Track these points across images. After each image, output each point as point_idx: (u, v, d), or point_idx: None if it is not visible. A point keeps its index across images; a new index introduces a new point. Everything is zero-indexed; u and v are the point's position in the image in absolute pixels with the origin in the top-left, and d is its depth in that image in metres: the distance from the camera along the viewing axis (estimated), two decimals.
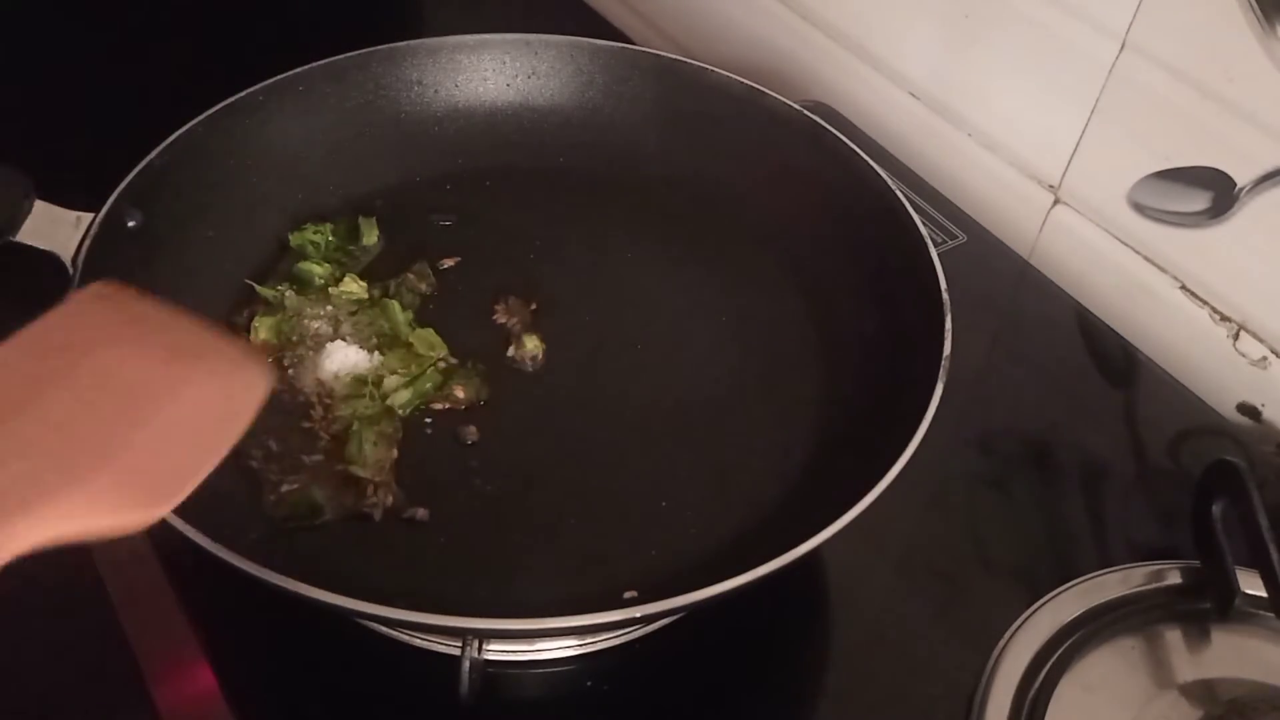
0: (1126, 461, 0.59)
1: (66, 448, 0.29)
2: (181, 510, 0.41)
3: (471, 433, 0.54)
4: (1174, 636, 0.50)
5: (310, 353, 0.57)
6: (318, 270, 0.60)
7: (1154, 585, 0.51)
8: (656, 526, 0.51)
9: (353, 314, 0.58)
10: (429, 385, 0.55)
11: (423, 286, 0.61)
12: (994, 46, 0.69)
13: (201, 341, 0.36)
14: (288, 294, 0.59)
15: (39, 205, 0.52)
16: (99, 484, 0.29)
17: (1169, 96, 0.60)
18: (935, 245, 0.56)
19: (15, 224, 0.51)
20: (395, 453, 0.52)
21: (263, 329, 0.57)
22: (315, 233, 0.62)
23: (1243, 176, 0.58)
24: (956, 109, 0.73)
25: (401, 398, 0.54)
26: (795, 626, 0.52)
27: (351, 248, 0.63)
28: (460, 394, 0.56)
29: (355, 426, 0.53)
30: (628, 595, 0.46)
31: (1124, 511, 0.57)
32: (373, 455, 0.52)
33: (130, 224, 0.54)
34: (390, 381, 0.55)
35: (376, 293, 0.60)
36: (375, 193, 0.66)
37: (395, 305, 0.58)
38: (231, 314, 0.58)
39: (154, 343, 0.34)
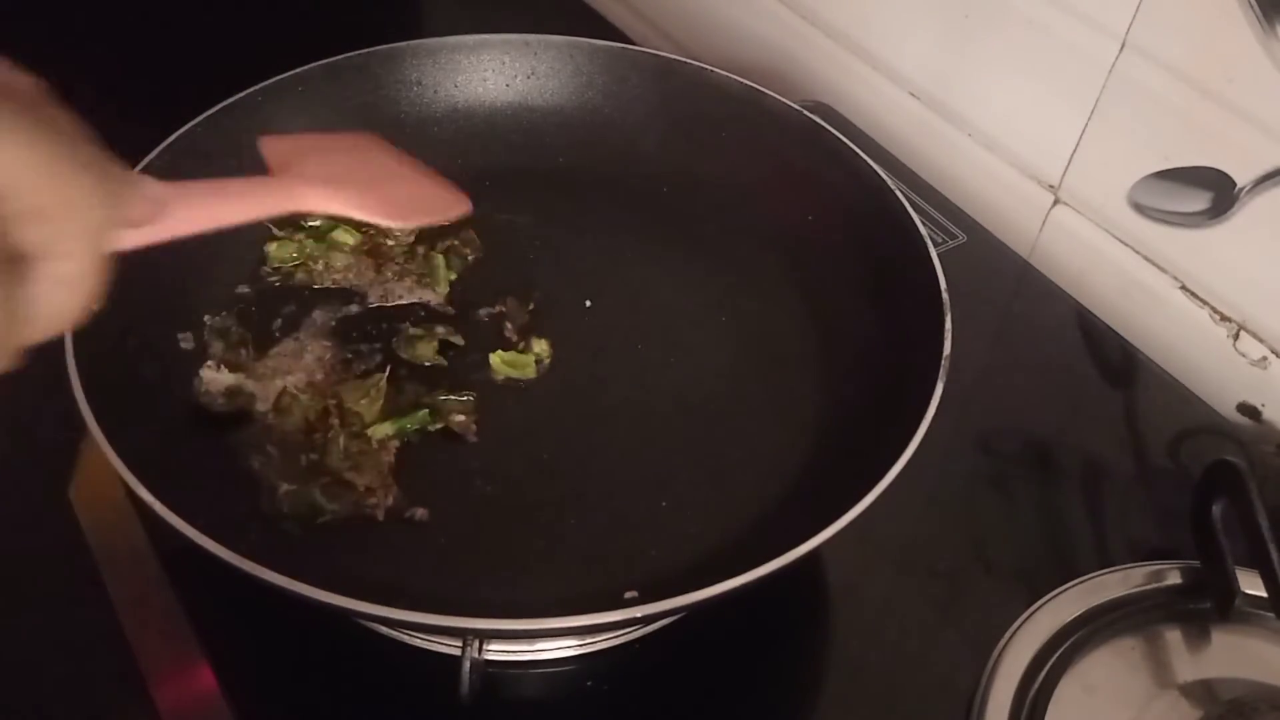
0: (1126, 461, 0.59)
1: (350, 174, 0.48)
2: (182, 510, 0.41)
3: (471, 433, 0.54)
4: (1174, 637, 0.50)
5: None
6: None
7: (1154, 585, 0.51)
8: (657, 526, 0.51)
9: (397, 263, 0.61)
10: (412, 426, 0.54)
11: (468, 252, 0.62)
12: (994, 46, 0.69)
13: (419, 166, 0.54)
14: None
15: None
16: (366, 194, 0.47)
17: (1169, 96, 0.60)
18: (935, 245, 0.56)
19: None
20: (390, 458, 0.52)
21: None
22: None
23: (1243, 176, 0.59)
24: (956, 109, 0.73)
25: (382, 430, 0.53)
26: (795, 627, 0.52)
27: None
28: (457, 424, 0.55)
29: (333, 434, 0.52)
30: (628, 595, 0.46)
31: (1124, 511, 0.57)
32: (357, 465, 0.51)
33: None
34: (368, 410, 0.54)
35: (423, 248, 0.62)
36: None
37: (440, 260, 0.61)
38: (232, 309, 0.58)
39: (405, 162, 0.53)
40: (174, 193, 0.34)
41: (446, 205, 0.53)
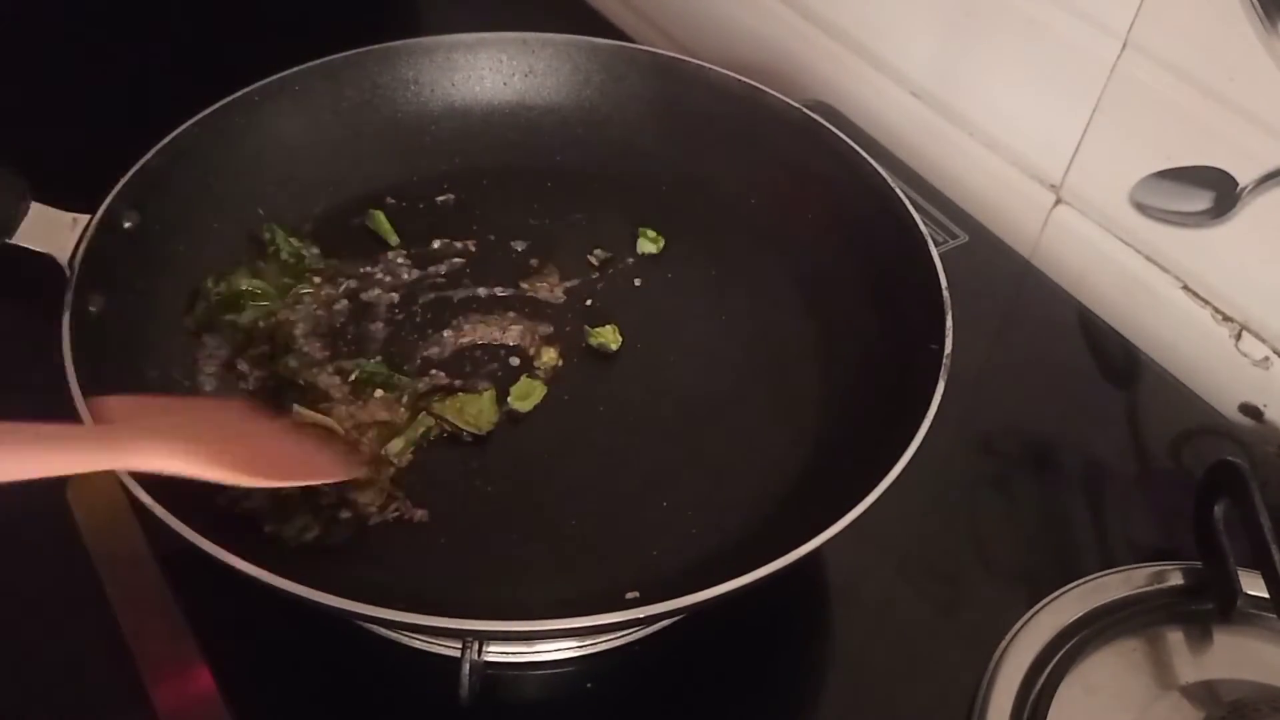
0: (1128, 462, 0.59)
1: (199, 430, 0.44)
2: (180, 512, 0.41)
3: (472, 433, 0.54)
4: (1176, 638, 0.49)
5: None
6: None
7: (1156, 586, 0.51)
8: (657, 527, 0.51)
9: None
10: (421, 430, 0.53)
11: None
12: (995, 46, 0.69)
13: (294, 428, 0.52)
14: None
15: (35, 207, 0.52)
16: (215, 451, 0.43)
17: (1171, 96, 0.60)
18: (936, 245, 0.55)
19: (12, 226, 0.51)
20: (393, 469, 0.52)
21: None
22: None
23: (1245, 176, 0.58)
24: (958, 108, 0.73)
25: (395, 447, 0.52)
26: (796, 628, 0.52)
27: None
28: (471, 423, 0.54)
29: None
30: (630, 596, 0.46)
31: (1125, 512, 0.57)
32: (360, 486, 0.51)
33: (127, 225, 0.54)
34: (378, 429, 0.53)
35: None
36: (372, 192, 0.66)
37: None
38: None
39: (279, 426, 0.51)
40: None
41: (327, 467, 0.48)
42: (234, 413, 0.49)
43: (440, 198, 0.66)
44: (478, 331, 0.59)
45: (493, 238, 0.64)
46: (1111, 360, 0.65)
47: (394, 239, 0.63)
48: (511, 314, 0.60)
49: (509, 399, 0.55)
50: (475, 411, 0.54)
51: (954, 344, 0.50)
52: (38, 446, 0.36)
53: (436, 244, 0.63)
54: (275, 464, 0.45)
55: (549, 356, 0.57)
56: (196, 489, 0.47)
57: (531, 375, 0.57)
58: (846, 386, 0.56)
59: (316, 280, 0.60)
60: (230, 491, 0.49)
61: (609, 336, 0.58)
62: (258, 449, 0.45)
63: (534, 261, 0.63)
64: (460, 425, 0.54)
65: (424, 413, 0.54)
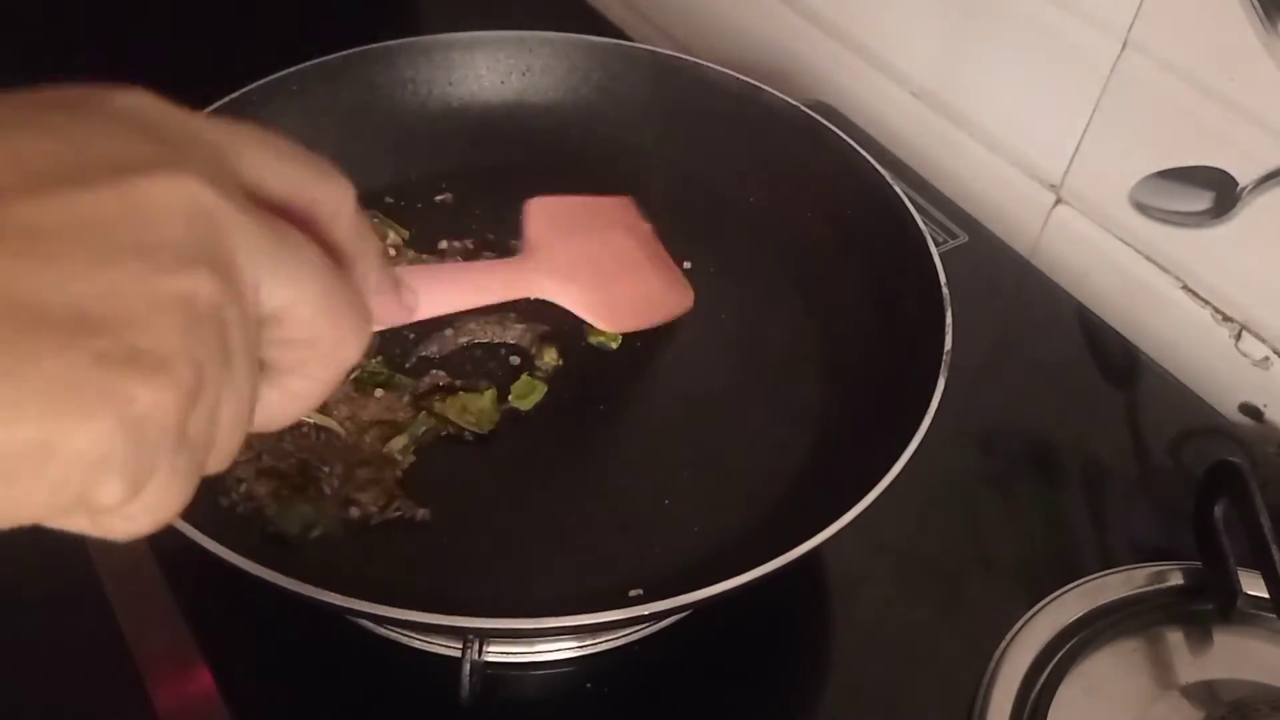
0: (1128, 462, 0.59)
1: (589, 270, 0.53)
2: (182, 510, 0.41)
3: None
4: (1176, 638, 0.49)
5: None
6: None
7: (1156, 586, 0.51)
8: (658, 525, 0.51)
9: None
10: (423, 428, 0.53)
11: None
12: (995, 46, 0.69)
13: (663, 257, 0.59)
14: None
15: None
16: (595, 297, 0.52)
17: (1171, 96, 0.60)
18: (936, 245, 0.55)
19: None
20: (399, 473, 0.52)
21: None
22: None
23: (1245, 176, 0.58)
24: (958, 108, 0.73)
25: (397, 444, 0.52)
26: (795, 628, 0.52)
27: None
28: (472, 422, 0.54)
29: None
30: (633, 593, 0.46)
31: (1125, 512, 0.57)
32: (363, 487, 0.51)
33: None
34: (379, 427, 0.53)
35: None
36: (370, 192, 0.66)
37: None
38: None
39: (638, 237, 0.58)
40: (425, 286, 0.36)
41: (671, 306, 0.57)
42: (624, 237, 0.56)
43: (439, 197, 0.66)
44: (477, 330, 0.59)
45: (491, 236, 0.64)
46: (1111, 360, 0.65)
47: (395, 234, 0.63)
48: (511, 313, 0.60)
49: (510, 398, 0.55)
50: (477, 410, 0.54)
51: (954, 344, 0.50)
52: (467, 287, 0.42)
53: (435, 244, 0.63)
54: (632, 307, 0.54)
55: (549, 356, 0.57)
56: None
57: (532, 374, 0.57)
58: (846, 385, 0.56)
59: None
60: (231, 489, 0.49)
61: (609, 335, 0.58)
62: (627, 289, 0.54)
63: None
64: (462, 425, 0.54)
65: (424, 412, 0.54)
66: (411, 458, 0.52)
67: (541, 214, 0.52)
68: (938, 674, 0.49)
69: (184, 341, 0.21)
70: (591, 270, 0.52)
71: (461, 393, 0.55)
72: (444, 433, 0.54)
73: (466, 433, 0.54)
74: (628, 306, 0.54)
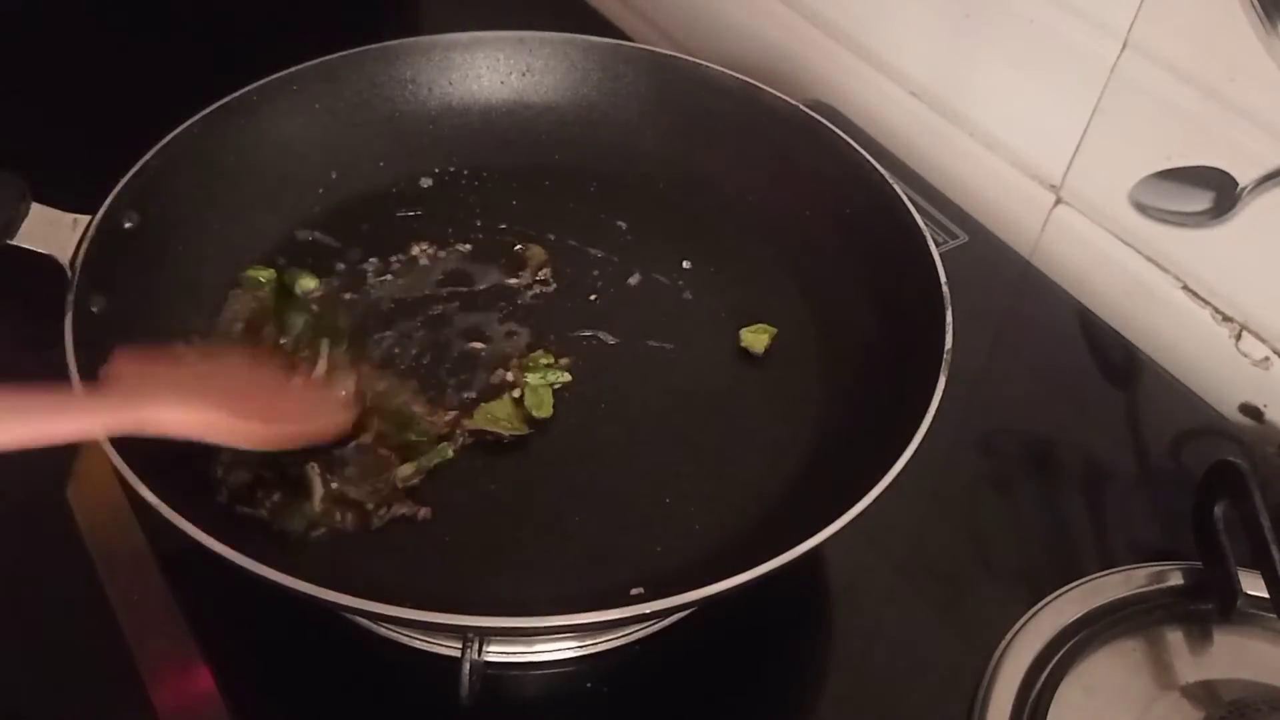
0: (1128, 462, 0.59)
1: (219, 390, 0.45)
2: (181, 507, 0.41)
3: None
4: (1176, 638, 0.49)
5: None
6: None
7: (1156, 586, 0.51)
8: (660, 524, 0.51)
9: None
10: (436, 460, 0.52)
11: None
12: (995, 45, 0.69)
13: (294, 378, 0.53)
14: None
15: (36, 208, 0.52)
16: (223, 415, 0.44)
17: (1171, 96, 0.60)
18: (936, 245, 0.55)
19: (12, 227, 0.51)
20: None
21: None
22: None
23: (1245, 176, 0.58)
24: (958, 108, 0.73)
25: (404, 472, 0.52)
26: (796, 628, 0.52)
27: None
28: (507, 426, 0.54)
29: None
30: (634, 592, 0.46)
31: (1126, 512, 0.57)
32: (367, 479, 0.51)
33: (127, 225, 0.54)
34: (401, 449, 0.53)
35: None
36: (370, 191, 0.66)
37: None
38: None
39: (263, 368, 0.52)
40: None
41: (320, 418, 0.49)
42: (236, 362, 0.50)
43: (438, 196, 0.66)
44: (478, 329, 0.59)
45: (491, 236, 0.64)
46: (1111, 360, 0.65)
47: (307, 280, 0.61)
48: (512, 312, 0.60)
49: (529, 409, 0.55)
50: (505, 415, 0.54)
51: (954, 344, 0.50)
52: (42, 413, 0.36)
53: (431, 245, 0.63)
54: (281, 418, 0.46)
55: (549, 356, 0.57)
56: (197, 488, 0.47)
57: (535, 372, 0.56)
58: (846, 385, 0.56)
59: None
60: (231, 491, 0.49)
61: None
62: (264, 402, 0.46)
63: (533, 260, 0.63)
64: (500, 431, 0.53)
65: (444, 443, 0.53)
66: (415, 481, 0.52)
67: (129, 360, 0.43)
68: (938, 674, 0.49)
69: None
70: (213, 386, 0.44)
71: (482, 403, 0.55)
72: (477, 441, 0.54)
73: (506, 436, 0.54)
74: (275, 415, 0.46)
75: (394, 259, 0.62)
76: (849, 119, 0.77)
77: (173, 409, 0.40)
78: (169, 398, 0.40)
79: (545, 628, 0.42)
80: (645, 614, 0.42)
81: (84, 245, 0.51)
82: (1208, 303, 0.64)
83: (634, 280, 0.62)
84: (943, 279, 0.53)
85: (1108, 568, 0.52)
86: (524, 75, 0.69)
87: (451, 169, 0.68)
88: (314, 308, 0.59)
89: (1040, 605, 0.50)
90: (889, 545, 0.55)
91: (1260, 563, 0.47)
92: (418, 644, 0.49)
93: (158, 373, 0.43)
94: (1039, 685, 0.47)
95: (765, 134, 0.65)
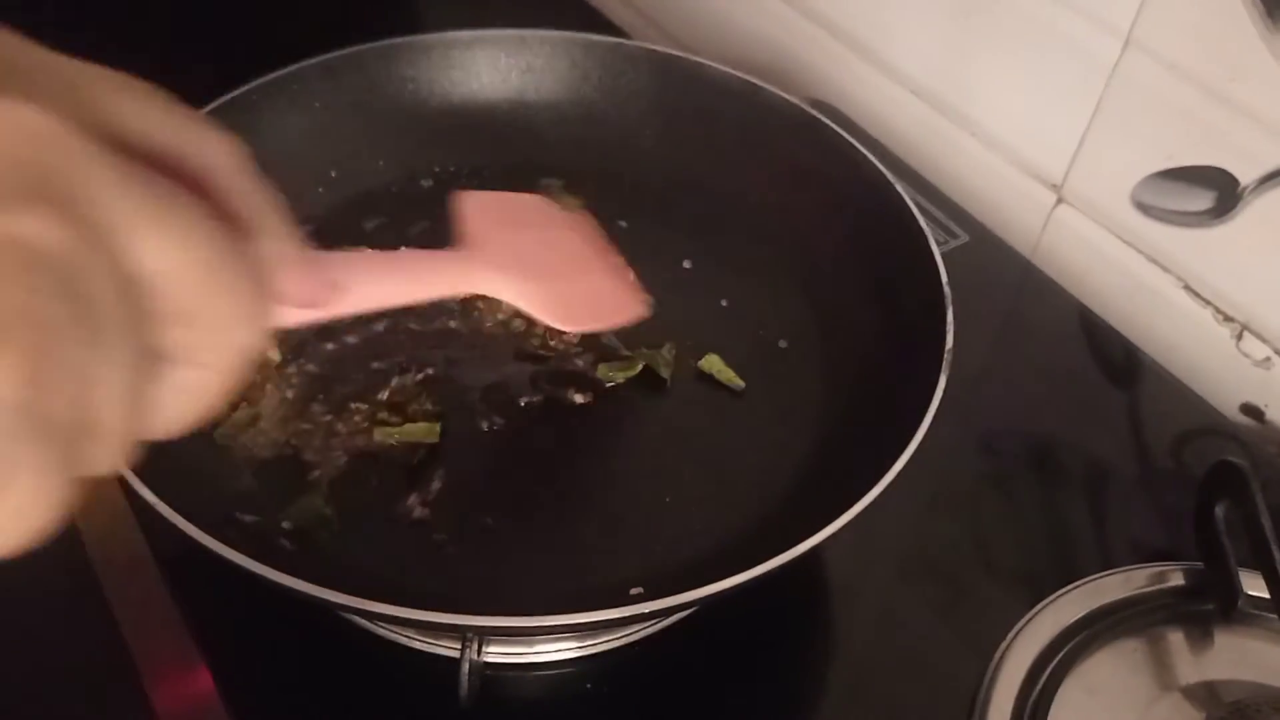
0: (1129, 462, 0.59)
1: (535, 264, 0.47)
2: (181, 508, 0.41)
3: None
4: (1177, 638, 0.49)
5: None
6: None
7: (1157, 587, 0.51)
8: (659, 524, 0.51)
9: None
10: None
11: None
12: (996, 45, 0.69)
13: (611, 255, 0.55)
14: None
15: None
16: (544, 291, 0.46)
17: (1172, 95, 0.60)
18: (937, 244, 0.55)
19: None
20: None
21: None
22: None
23: (1246, 176, 0.58)
24: (959, 108, 0.73)
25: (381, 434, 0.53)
26: (795, 629, 0.52)
27: None
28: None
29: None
30: (634, 591, 0.46)
31: (1126, 512, 0.56)
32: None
33: None
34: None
35: None
36: (370, 190, 0.66)
37: None
38: None
39: (586, 239, 0.54)
40: (351, 272, 0.32)
41: (622, 310, 0.53)
42: (565, 234, 0.52)
43: (438, 195, 0.66)
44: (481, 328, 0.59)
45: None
46: (1112, 360, 0.65)
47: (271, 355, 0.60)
48: (513, 313, 0.60)
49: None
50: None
51: (954, 344, 0.50)
52: (400, 276, 0.37)
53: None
54: (583, 306, 0.49)
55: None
56: (197, 489, 0.47)
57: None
58: (847, 384, 0.56)
59: None
60: (234, 487, 0.49)
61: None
62: (575, 286, 0.49)
63: None
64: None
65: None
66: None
67: (478, 208, 0.47)
68: (938, 674, 0.49)
69: (20, 295, 0.17)
70: (538, 264, 0.47)
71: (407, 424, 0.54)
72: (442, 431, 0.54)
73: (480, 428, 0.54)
74: (579, 304, 0.49)
75: None
76: (850, 118, 0.77)
77: (508, 283, 0.44)
78: (499, 272, 0.44)
79: (545, 627, 0.42)
80: (645, 614, 0.42)
81: None
82: (1209, 303, 0.63)
83: (633, 280, 0.62)
84: (943, 279, 0.53)
85: (1108, 568, 0.52)
86: (524, 74, 0.69)
87: (452, 168, 0.68)
88: None
89: (1041, 606, 0.50)
90: (889, 545, 0.55)
91: (1261, 563, 0.47)
92: (417, 644, 0.49)
93: (504, 239, 0.46)
94: (1039, 686, 0.47)
95: (766, 133, 0.65)
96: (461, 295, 0.44)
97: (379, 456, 0.52)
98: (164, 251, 0.20)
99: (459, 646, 0.43)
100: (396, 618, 0.40)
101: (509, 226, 0.48)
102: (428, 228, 0.64)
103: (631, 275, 0.56)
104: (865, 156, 0.60)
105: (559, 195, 0.58)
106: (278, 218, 0.26)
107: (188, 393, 0.23)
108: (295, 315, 0.29)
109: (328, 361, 0.56)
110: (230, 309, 0.22)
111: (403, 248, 0.42)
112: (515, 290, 0.45)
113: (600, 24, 0.94)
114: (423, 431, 0.53)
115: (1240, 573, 0.49)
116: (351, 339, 0.58)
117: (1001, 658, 0.48)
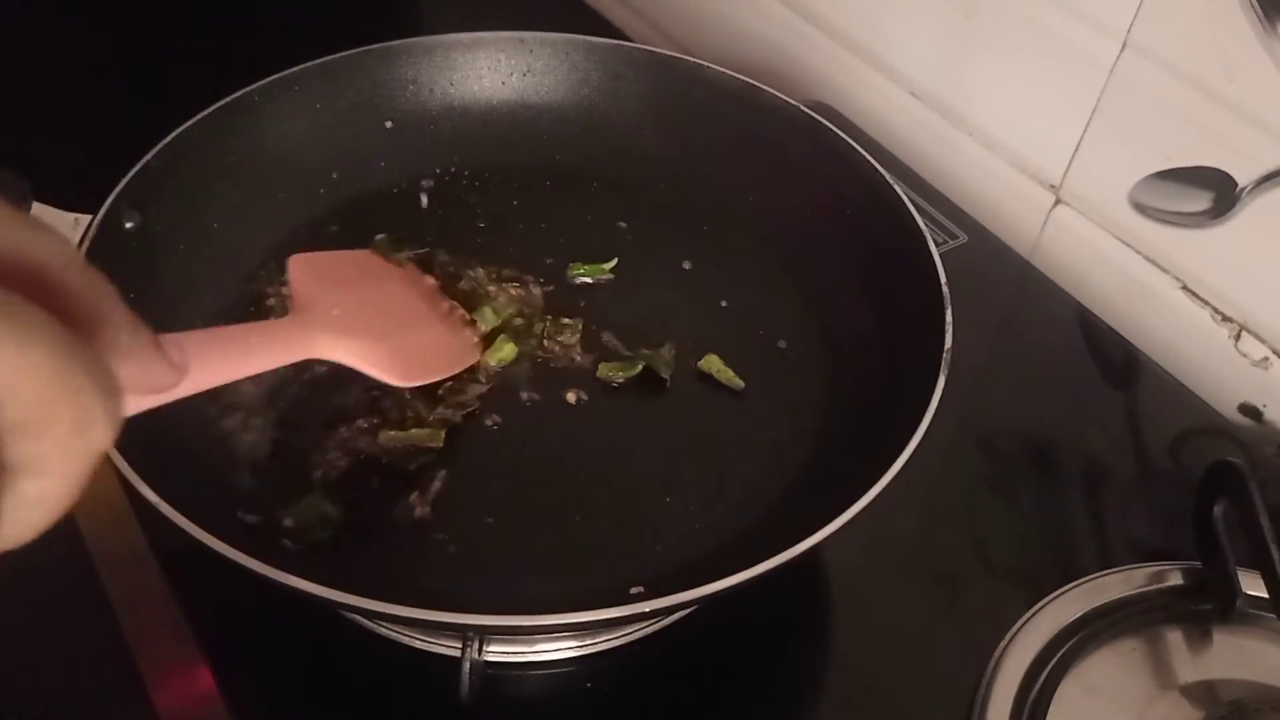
0: (1128, 462, 0.59)
1: (368, 323, 0.49)
2: (181, 506, 0.41)
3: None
4: (1175, 638, 0.49)
5: None
6: None
7: (1155, 586, 0.51)
8: (660, 523, 0.51)
9: None
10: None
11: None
12: (995, 46, 0.69)
13: (443, 306, 0.57)
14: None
15: (36, 208, 0.52)
16: (378, 350, 0.48)
17: (1170, 96, 0.60)
18: (936, 245, 0.55)
19: None
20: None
21: None
22: None
23: (1244, 176, 0.58)
24: (957, 109, 0.73)
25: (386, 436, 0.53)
26: (795, 628, 0.52)
27: None
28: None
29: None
30: (634, 591, 0.46)
31: (1125, 512, 0.57)
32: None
33: (128, 225, 0.54)
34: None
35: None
36: (371, 192, 0.66)
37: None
38: (230, 309, 0.58)
39: (417, 291, 0.55)
40: (192, 352, 0.31)
41: (455, 358, 0.54)
42: (398, 290, 0.53)
43: (439, 196, 0.66)
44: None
45: (492, 237, 0.64)
46: (1111, 360, 0.65)
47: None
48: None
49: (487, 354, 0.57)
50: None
51: (953, 344, 0.50)
52: (240, 352, 0.38)
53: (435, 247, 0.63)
54: (418, 361, 0.51)
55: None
56: (197, 487, 0.47)
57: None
58: (846, 384, 0.56)
59: None
60: (235, 486, 0.50)
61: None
62: (409, 342, 0.51)
63: (534, 260, 0.63)
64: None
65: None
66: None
67: (309, 272, 0.49)
68: (938, 674, 0.49)
69: None
70: (370, 324, 0.49)
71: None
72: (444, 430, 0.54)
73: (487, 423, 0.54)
74: (413, 359, 0.51)
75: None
76: (849, 119, 0.77)
77: (342, 345, 0.46)
78: (336, 337, 0.46)
79: (545, 626, 0.42)
80: (645, 613, 0.42)
81: (84, 245, 0.51)
82: (1207, 303, 0.64)
83: (633, 280, 0.62)
84: (943, 279, 0.53)
85: (1107, 568, 0.52)
86: (525, 75, 0.69)
87: (452, 169, 0.68)
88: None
89: (1040, 605, 0.50)
90: (889, 545, 0.55)
91: (1260, 563, 0.47)
92: (418, 644, 0.49)
93: (335, 301, 0.47)
94: (1039, 685, 0.47)
95: (765, 134, 0.65)
96: (300, 359, 0.44)
97: (380, 457, 0.52)
98: (11, 362, 0.20)
99: (459, 646, 0.43)
100: (397, 616, 0.40)
101: (340, 287, 0.49)
102: (428, 227, 0.64)
103: (461, 316, 0.57)
104: (864, 158, 0.60)
105: (387, 249, 0.59)
106: (117, 307, 0.25)
107: (33, 504, 0.22)
108: (140, 404, 0.29)
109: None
110: (77, 413, 0.21)
111: (244, 323, 0.46)
112: (350, 352, 0.47)
113: (600, 26, 0.95)
114: (426, 436, 0.53)
115: (1239, 572, 0.49)
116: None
117: (1000, 657, 0.48)
